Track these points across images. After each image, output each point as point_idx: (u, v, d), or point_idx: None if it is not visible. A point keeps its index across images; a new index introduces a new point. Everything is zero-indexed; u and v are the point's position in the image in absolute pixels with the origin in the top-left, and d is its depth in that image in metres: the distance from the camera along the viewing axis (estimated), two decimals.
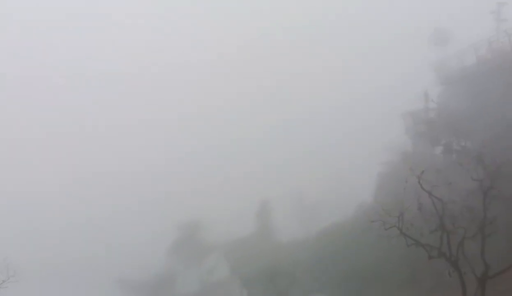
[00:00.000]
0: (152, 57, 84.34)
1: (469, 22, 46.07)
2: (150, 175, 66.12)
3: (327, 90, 74.04)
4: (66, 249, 54.75)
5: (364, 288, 28.53)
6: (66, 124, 76.34)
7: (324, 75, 76.75)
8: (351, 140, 59.94)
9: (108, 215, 59.24)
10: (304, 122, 69.51)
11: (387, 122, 47.44)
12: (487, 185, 18.65)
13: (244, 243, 45.75)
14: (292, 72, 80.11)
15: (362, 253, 29.00)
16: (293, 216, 49.92)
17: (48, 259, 51.61)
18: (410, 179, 20.00)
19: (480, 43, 40.10)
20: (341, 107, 67.93)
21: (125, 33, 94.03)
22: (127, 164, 69.66)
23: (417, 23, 59.49)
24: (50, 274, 49.31)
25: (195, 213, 49.68)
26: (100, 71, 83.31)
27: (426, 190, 19.65)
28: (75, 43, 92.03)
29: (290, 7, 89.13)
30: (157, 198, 59.30)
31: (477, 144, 25.28)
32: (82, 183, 66.29)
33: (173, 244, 48.51)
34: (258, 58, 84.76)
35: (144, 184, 64.38)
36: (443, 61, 45.61)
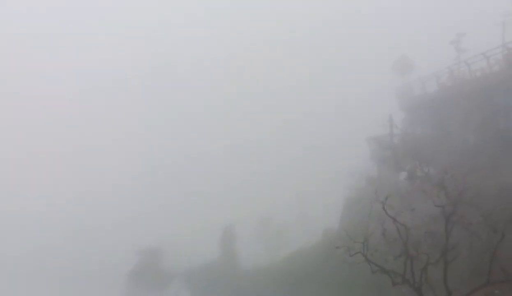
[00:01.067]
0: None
1: (431, 51, 47.73)
2: (110, 199, 64.42)
3: (293, 117, 74.87)
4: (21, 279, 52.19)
5: None
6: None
7: (291, 102, 77.80)
8: (318, 165, 60.44)
9: (65, 239, 57.10)
10: (269, 148, 69.77)
11: (353, 147, 48.08)
12: (449, 211, 18.75)
13: (207, 270, 44.54)
14: (264, 98, 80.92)
15: (327, 279, 28.62)
16: (258, 242, 49.32)
17: None
18: (374, 204, 19.93)
19: (441, 71, 41.43)
20: (307, 132, 68.72)
21: (128, 38, 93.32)
22: (87, 188, 67.76)
23: (381, 50, 61.32)
24: None
25: (156, 239, 48.31)
26: (102, 75, 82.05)
27: (390, 215, 19.60)
28: (79, 50, 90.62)
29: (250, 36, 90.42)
30: (117, 223, 57.68)
31: (439, 170, 25.62)
32: (38, 213, 63.98)
33: (132, 270, 46.77)
34: (226, 81, 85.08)
35: (104, 208, 62.63)
36: (407, 88, 46.91)
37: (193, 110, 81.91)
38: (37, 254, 55.79)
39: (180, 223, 54.91)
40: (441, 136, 36.13)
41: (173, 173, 69.45)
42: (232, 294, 35.44)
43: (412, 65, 47.40)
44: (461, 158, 30.01)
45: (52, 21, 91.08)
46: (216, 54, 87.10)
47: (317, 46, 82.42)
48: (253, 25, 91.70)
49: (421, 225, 19.52)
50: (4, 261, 53.36)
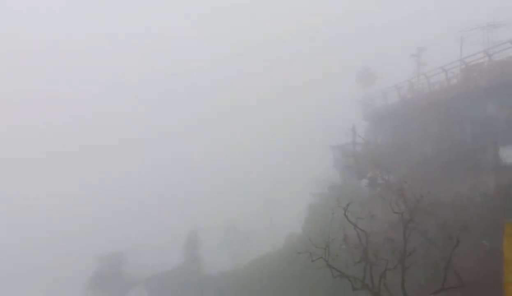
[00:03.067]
0: None
1: (393, 63, 49.23)
2: (73, 207, 62.79)
3: (259, 124, 75.40)
4: None
5: None
6: None
7: (257, 109, 78.31)
8: (284, 172, 60.99)
9: (27, 246, 55.16)
10: (235, 155, 69.86)
11: (318, 155, 48.86)
12: (407, 218, 19.43)
13: (170, 276, 43.99)
14: (227, 106, 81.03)
15: (290, 284, 28.90)
16: (223, 248, 49.17)
17: None
18: (337, 211, 20.38)
19: (402, 83, 42.82)
20: (274, 140, 69.32)
21: (127, 48, 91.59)
22: (52, 195, 65.81)
23: (346, 62, 62.74)
24: None
25: (118, 245, 47.30)
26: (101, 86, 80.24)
27: (351, 222, 20.12)
28: (82, 58, 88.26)
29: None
30: (79, 229, 56.21)
31: (398, 179, 26.47)
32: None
33: (92, 277, 45.54)
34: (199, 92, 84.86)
35: (67, 215, 60.94)
36: (369, 99, 48.19)
37: (166, 119, 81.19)
38: None
39: (144, 230, 54.07)
40: (401, 146, 37.24)
41: (137, 180, 68.30)
42: None
43: (374, 76, 48.73)
44: (419, 168, 31.05)
45: (64, 23, 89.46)
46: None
47: (285, 57, 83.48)
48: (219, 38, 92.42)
49: (380, 232, 20.09)
50: None
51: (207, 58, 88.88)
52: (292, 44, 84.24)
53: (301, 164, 56.27)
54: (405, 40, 52.73)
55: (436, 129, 34.81)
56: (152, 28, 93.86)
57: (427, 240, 20.72)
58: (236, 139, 72.89)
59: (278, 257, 33.07)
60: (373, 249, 19.33)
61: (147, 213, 58.59)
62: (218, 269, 42.50)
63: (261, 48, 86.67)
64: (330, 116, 56.77)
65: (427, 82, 39.66)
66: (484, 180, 26.17)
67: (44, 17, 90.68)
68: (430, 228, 20.70)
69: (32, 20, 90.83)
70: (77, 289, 45.17)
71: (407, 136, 38.00)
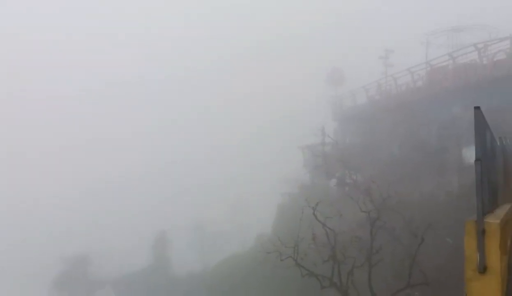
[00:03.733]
0: None
1: (361, 64, 49.96)
2: (37, 207, 60.89)
3: (228, 122, 75.02)
4: None
5: None
6: None
7: (226, 108, 77.95)
8: (252, 172, 60.91)
9: None
10: (203, 153, 69.27)
11: (288, 155, 49.06)
12: (374, 217, 19.74)
13: (138, 277, 43.23)
14: (195, 105, 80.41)
15: (260, 284, 28.89)
16: (191, 248, 48.70)
17: None
18: (306, 210, 20.47)
19: (370, 84, 43.55)
20: (242, 139, 69.13)
21: (122, 45, 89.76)
22: (15, 196, 63.62)
23: (315, 63, 63.23)
24: None
25: (85, 246, 46.17)
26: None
27: (320, 221, 20.28)
28: (80, 50, 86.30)
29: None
30: (44, 230, 54.53)
31: (366, 178, 26.86)
32: None
33: (56, 279, 44.24)
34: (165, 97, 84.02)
35: (32, 216, 59.07)
36: (339, 99, 48.76)
37: (133, 119, 79.79)
38: None
39: (110, 230, 52.88)
40: (369, 146, 37.81)
41: (104, 179, 66.79)
42: None
43: (343, 77, 49.35)
44: (386, 168, 31.55)
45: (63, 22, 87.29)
46: None
47: (256, 58, 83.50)
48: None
49: (348, 230, 20.31)
50: None
51: (184, 58, 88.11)
52: (262, 46, 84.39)
53: (271, 164, 56.35)
54: (373, 42, 53.60)
55: (403, 130, 35.53)
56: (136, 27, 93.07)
57: (393, 238, 21.07)
58: (204, 138, 72.33)
59: (248, 257, 33.00)
60: (341, 248, 19.55)
61: (113, 213, 57.32)
62: (186, 269, 42.09)
63: (232, 49, 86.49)
64: (300, 116, 57.14)
65: (394, 84, 40.52)
66: (448, 179, 26.86)
67: (44, 17, 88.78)
68: (396, 226, 21.06)
69: (32, 19, 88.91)
70: (43, 291, 43.90)
71: (375, 136, 38.65)
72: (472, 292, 4.69)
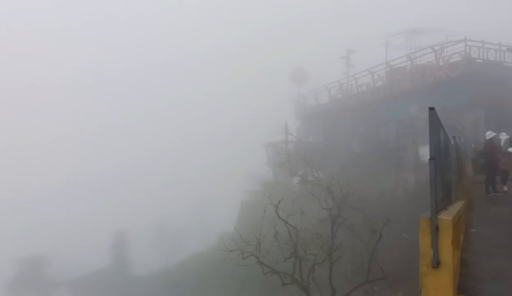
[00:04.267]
0: None
1: (324, 64, 50.69)
2: None
3: (191, 120, 74.43)
4: None
5: None
6: None
7: (190, 106, 77.31)
8: (215, 169, 60.65)
9: None
10: (165, 150, 68.29)
11: (251, 152, 49.16)
12: (335, 214, 20.09)
13: (97, 278, 42.09)
14: (157, 102, 79.30)
15: (222, 283, 28.82)
16: (152, 248, 47.93)
17: None
18: (268, 208, 20.55)
19: (332, 84, 44.26)
20: (205, 137, 68.74)
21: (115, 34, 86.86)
22: None
23: (279, 62, 63.67)
24: None
25: (41, 245, 44.51)
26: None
27: (282, 218, 20.42)
28: (70, 44, 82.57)
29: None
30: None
31: (328, 176, 27.30)
32: None
33: (12, 279, 42.42)
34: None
35: None
36: (302, 98, 49.31)
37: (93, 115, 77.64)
38: None
39: (68, 229, 51.20)
40: (331, 144, 38.47)
41: (64, 178, 64.68)
42: None
43: (307, 76, 49.93)
44: (347, 166, 32.20)
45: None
46: None
47: (219, 55, 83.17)
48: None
49: (310, 227, 20.55)
50: None
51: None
52: (226, 44, 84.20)
53: (234, 162, 56.30)
54: (335, 43, 54.50)
55: (363, 129, 36.38)
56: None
57: (353, 234, 21.52)
58: (166, 136, 71.38)
59: (210, 255, 32.85)
60: (303, 245, 19.76)
61: (71, 212, 55.51)
62: (147, 269, 41.39)
63: (196, 48, 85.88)
64: (264, 114, 57.39)
65: (355, 84, 41.35)
66: (405, 176, 27.67)
67: (37, 9, 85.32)
68: (356, 223, 21.52)
69: (25, 12, 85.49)
70: None
71: (337, 134, 39.37)
72: (426, 286, 4.84)
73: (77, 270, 43.42)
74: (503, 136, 17.09)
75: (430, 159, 5.02)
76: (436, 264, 4.78)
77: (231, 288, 27.71)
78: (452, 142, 10.37)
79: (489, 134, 17.38)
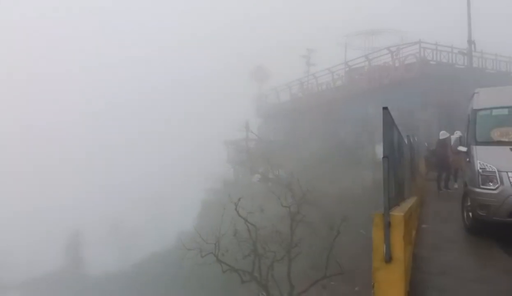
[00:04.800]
0: None
1: (285, 63, 51.05)
2: None
3: (149, 115, 72.89)
4: None
5: None
6: None
7: (148, 101, 75.78)
8: (175, 167, 59.74)
9: None
10: (122, 148, 66.67)
11: (212, 150, 48.79)
12: (294, 211, 20.30)
13: (49, 279, 40.54)
14: (115, 95, 77.46)
15: (180, 282, 28.51)
16: (108, 248, 46.73)
17: None
18: (228, 206, 20.51)
19: (293, 82, 44.70)
20: (164, 133, 67.57)
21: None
22: None
23: (240, 59, 63.56)
24: None
25: None
26: None
27: (242, 216, 20.42)
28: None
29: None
30: None
31: (288, 174, 27.55)
32: None
33: None
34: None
35: None
36: (263, 96, 49.48)
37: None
38: None
39: (19, 230, 49.03)
40: (291, 143, 38.82)
41: (15, 175, 61.87)
42: None
43: (267, 74, 50.15)
44: (307, 163, 32.60)
45: None
46: None
47: (180, 48, 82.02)
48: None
49: (269, 225, 20.66)
50: None
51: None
52: (187, 38, 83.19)
53: (195, 159, 55.70)
54: (296, 42, 54.95)
55: (323, 127, 36.90)
56: None
57: (312, 231, 21.79)
58: (123, 131, 69.65)
59: (168, 255, 32.42)
60: (262, 242, 19.85)
61: (22, 212, 53.18)
62: (103, 270, 40.28)
63: (158, 41, 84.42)
64: (225, 112, 57.15)
65: (316, 82, 41.94)
66: (363, 174, 28.28)
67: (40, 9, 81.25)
68: (315, 220, 21.80)
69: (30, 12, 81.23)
70: None
71: (297, 133, 39.75)
72: (379, 280, 4.93)
73: (27, 273, 41.70)
74: (457, 135, 17.80)
75: (383, 157, 5.13)
76: (389, 259, 4.89)
77: (190, 286, 27.46)
78: (406, 141, 10.68)
79: (443, 134, 18.05)
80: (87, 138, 69.19)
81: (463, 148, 11.12)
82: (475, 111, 10.35)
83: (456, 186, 17.55)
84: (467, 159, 10.31)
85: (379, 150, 27.85)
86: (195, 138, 62.31)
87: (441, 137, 17.94)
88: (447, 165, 17.52)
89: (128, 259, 41.71)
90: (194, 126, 66.40)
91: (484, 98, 10.54)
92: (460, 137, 16.87)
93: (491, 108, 10.28)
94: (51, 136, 68.79)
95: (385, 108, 5.17)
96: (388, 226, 4.90)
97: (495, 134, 9.86)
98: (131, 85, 78.22)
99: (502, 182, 8.76)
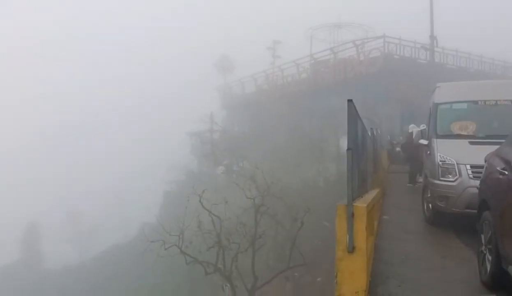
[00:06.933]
0: None
1: (251, 53, 50.90)
2: None
3: (107, 105, 70.97)
4: None
5: None
6: None
7: (107, 92, 73.88)
8: (137, 158, 58.66)
9: None
10: (80, 137, 64.80)
11: (175, 142, 48.20)
12: (259, 203, 20.28)
13: (3, 274, 39.07)
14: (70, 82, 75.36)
15: (142, 274, 28.08)
16: (68, 241, 45.48)
17: None
18: (192, 198, 20.28)
19: (258, 74, 44.62)
20: (126, 124, 66.22)
21: None
22: None
23: (206, 49, 62.87)
24: None
25: None
26: None
27: (206, 208, 20.23)
28: None
29: None
30: None
31: (252, 166, 27.53)
32: None
33: None
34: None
35: None
36: (228, 87, 49.18)
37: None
38: None
39: None
40: (256, 134, 38.80)
41: None
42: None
43: (233, 65, 49.88)
44: (272, 156, 32.68)
45: None
46: None
47: (142, 39, 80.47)
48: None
49: (234, 217, 20.58)
50: None
51: None
52: (147, 27, 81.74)
53: (158, 151, 54.85)
54: (262, 33, 54.91)
55: (288, 119, 37.07)
56: None
57: (276, 223, 21.88)
58: (85, 120, 67.75)
59: (130, 247, 31.87)
60: (226, 234, 19.75)
61: None
62: (62, 263, 39.14)
63: (111, 30, 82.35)
64: (189, 102, 56.51)
65: (281, 75, 42.04)
66: (327, 166, 28.64)
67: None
68: (279, 212, 21.89)
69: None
70: None
71: (262, 125, 39.77)
72: (342, 270, 4.94)
73: None
74: (422, 128, 18.08)
75: (348, 149, 5.11)
76: (351, 249, 4.90)
77: (152, 279, 27.10)
78: (370, 134, 10.80)
79: (412, 127, 18.28)
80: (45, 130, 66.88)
81: (424, 141, 11.33)
82: (436, 105, 10.56)
83: (420, 179, 17.88)
84: (428, 152, 10.52)
85: (343, 143, 28.26)
86: (158, 129, 61.38)
87: (410, 131, 18.20)
88: (415, 158, 17.76)
89: (88, 252, 40.76)
90: (158, 116, 65.34)
91: (445, 93, 10.77)
92: (422, 131, 17.18)
93: (451, 102, 10.52)
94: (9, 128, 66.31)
95: (350, 101, 5.14)
96: (351, 216, 4.90)
97: (455, 128, 10.09)
98: (97, 77, 75.99)
99: (460, 175, 8.97)
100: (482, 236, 5.86)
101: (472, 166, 8.71)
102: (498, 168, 5.47)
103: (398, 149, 22.39)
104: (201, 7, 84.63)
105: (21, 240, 43.86)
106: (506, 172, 5.16)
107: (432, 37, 30.00)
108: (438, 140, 9.92)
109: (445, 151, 9.42)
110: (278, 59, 45.51)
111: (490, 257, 5.52)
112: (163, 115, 64.07)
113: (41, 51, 78.75)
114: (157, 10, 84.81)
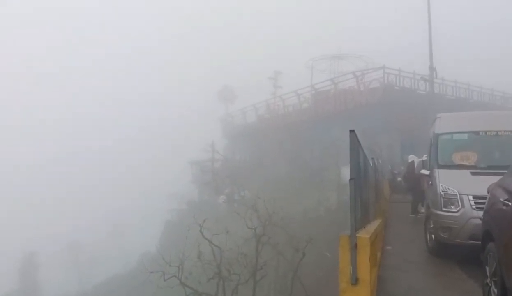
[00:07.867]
0: None
1: (253, 83, 51.47)
2: None
3: (112, 132, 71.35)
4: None
5: None
6: None
7: (111, 117, 74.44)
8: (138, 188, 58.44)
9: None
10: (84, 165, 64.81)
11: (177, 170, 48.18)
12: (260, 233, 20.04)
13: None
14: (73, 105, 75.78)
15: None
16: (67, 271, 44.87)
17: None
18: (193, 227, 20.08)
19: (260, 104, 45.04)
20: (127, 153, 66.28)
21: None
22: None
23: (209, 79, 63.59)
24: None
25: None
26: None
27: (206, 238, 19.99)
28: None
29: None
30: None
31: (254, 195, 27.38)
32: None
33: None
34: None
35: None
36: (229, 116, 49.55)
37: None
38: None
39: None
40: (257, 164, 38.82)
41: None
42: None
43: (234, 95, 50.39)
44: (273, 185, 32.55)
45: None
46: None
47: (146, 63, 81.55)
48: None
49: (235, 247, 20.30)
50: None
51: None
52: (153, 52, 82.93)
53: (158, 179, 54.73)
54: (263, 63, 55.64)
55: (289, 149, 37.15)
56: None
57: (277, 253, 21.58)
58: (87, 150, 67.81)
59: (129, 278, 31.38)
60: (227, 265, 19.43)
61: None
62: (60, 293, 38.49)
63: (120, 55, 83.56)
64: (191, 131, 56.74)
65: (282, 104, 42.40)
66: (328, 196, 28.51)
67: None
68: (280, 242, 21.62)
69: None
70: None
71: (263, 154, 39.84)
72: None
73: None
74: (423, 158, 18.10)
75: (350, 179, 5.13)
76: (355, 281, 4.85)
77: None
78: (371, 163, 10.82)
79: (411, 157, 18.31)
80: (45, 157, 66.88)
81: (425, 172, 11.33)
82: (437, 135, 10.61)
83: (422, 210, 17.77)
84: (430, 182, 10.50)
85: (344, 172, 28.34)
86: (160, 158, 61.42)
87: (409, 160, 18.22)
88: (417, 188, 17.69)
89: (88, 282, 40.13)
90: (160, 145, 65.51)
91: (446, 123, 10.84)
92: (423, 161, 17.18)
93: (452, 133, 10.58)
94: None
95: (352, 131, 5.19)
96: (354, 248, 4.87)
97: (456, 158, 10.11)
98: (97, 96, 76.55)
99: (463, 205, 8.94)
100: (487, 268, 5.80)
101: (474, 197, 8.69)
102: (502, 199, 5.46)
103: (399, 179, 22.37)
104: (203, 38, 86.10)
105: (20, 269, 43.35)
106: (510, 203, 5.15)
107: (432, 68, 30.42)
108: (440, 170, 9.93)
109: (447, 182, 9.40)
110: (280, 89, 46.05)
111: (495, 290, 5.44)
112: (164, 144, 64.26)
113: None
114: (161, 40, 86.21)
